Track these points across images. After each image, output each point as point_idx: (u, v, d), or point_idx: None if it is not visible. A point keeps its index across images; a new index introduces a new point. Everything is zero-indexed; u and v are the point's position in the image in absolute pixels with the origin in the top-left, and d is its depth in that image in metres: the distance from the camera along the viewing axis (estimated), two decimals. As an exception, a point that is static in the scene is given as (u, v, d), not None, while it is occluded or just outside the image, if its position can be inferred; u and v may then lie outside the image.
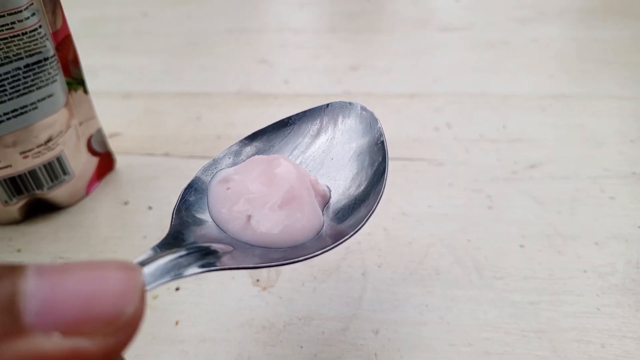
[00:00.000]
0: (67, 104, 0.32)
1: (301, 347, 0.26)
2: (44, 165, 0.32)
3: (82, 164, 0.34)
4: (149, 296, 0.28)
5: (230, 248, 0.21)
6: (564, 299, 0.28)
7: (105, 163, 0.37)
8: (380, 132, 0.26)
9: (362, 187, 0.25)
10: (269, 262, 0.20)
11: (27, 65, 0.29)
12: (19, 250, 0.32)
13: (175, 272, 0.17)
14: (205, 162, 0.25)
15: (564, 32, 0.56)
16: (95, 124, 0.35)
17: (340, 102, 0.27)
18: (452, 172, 0.36)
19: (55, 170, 0.32)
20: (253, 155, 0.26)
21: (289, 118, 0.27)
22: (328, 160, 0.26)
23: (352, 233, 0.22)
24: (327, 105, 0.27)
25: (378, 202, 0.23)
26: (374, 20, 0.61)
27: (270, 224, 0.22)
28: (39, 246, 0.32)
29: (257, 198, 0.23)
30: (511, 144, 0.39)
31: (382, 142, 0.25)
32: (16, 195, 0.32)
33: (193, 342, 0.26)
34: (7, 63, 0.28)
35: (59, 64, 0.31)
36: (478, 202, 0.34)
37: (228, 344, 0.26)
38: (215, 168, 0.25)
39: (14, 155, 0.30)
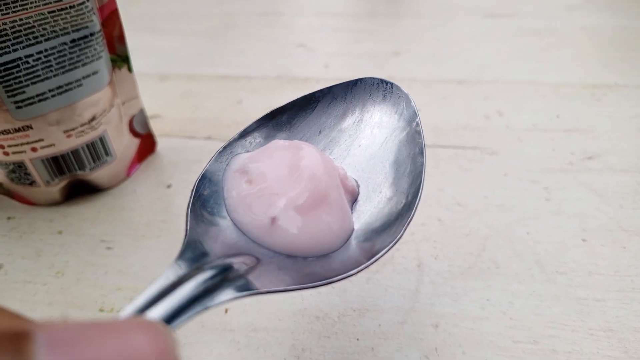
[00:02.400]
0: (110, 83, 0.31)
1: (357, 339, 0.25)
2: (87, 145, 0.31)
3: (123, 145, 0.33)
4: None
5: (254, 260, 0.19)
6: (632, 296, 0.26)
7: (147, 145, 0.36)
8: (416, 117, 0.22)
9: (395, 183, 0.22)
10: (300, 278, 0.18)
11: (73, 40, 0.28)
12: (59, 232, 0.31)
13: (201, 305, 0.15)
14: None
15: (614, 19, 0.54)
16: (137, 104, 0.34)
17: (371, 78, 0.24)
18: (506, 162, 0.35)
19: (98, 150, 0.31)
20: (273, 137, 0.23)
21: (313, 94, 0.24)
22: (355, 148, 0.23)
23: (390, 245, 0.18)
24: (356, 81, 0.24)
25: (417, 205, 0.20)
26: (415, 5, 0.60)
27: (297, 228, 0.20)
28: (80, 228, 0.31)
29: (282, 196, 0.20)
30: (566, 134, 0.37)
31: (419, 131, 0.22)
32: (58, 176, 0.31)
33: (244, 332, 0.25)
34: (53, 37, 0.27)
35: (104, 40, 0.30)
36: (535, 194, 0.32)
37: (280, 334, 0.25)
38: (231, 153, 0.22)
39: (57, 134, 0.29)
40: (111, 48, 0.31)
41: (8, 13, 0.25)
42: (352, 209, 0.22)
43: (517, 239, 0.29)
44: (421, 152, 0.21)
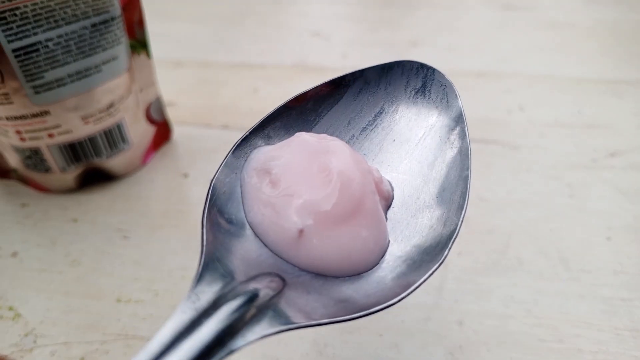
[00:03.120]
0: (129, 68, 0.30)
1: (381, 335, 0.24)
2: (104, 132, 0.30)
3: (140, 132, 0.33)
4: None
5: (280, 282, 0.16)
6: (659, 297, 0.26)
7: (162, 133, 0.35)
8: (461, 110, 0.20)
9: (436, 189, 0.19)
10: (333, 305, 0.16)
11: (94, 25, 0.27)
12: (74, 220, 0.30)
13: (225, 349, 0.13)
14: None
15: (633, 13, 0.53)
16: (154, 91, 0.33)
17: (409, 62, 0.21)
18: (529, 157, 0.34)
19: (115, 137, 0.31)
20: (296, 127, 0.21)
21: (342, 78, 0.21)
22: (388, 143, 0.21)
23: (434, 268, 0.16)
24: (392, 64, 0.21)
25: (462, 219, 0.17)
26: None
27: (328, 243, 0.17)
28: (95, 216, 0.30)
29: (311, 204, 0.17)
30: (588, 130, 0.36)
31: (463, 128, 0.19)
32: (74, 162, 0.30)
33: (265, 326, 0.25)
34: (74, 21, 0.26)
35: (125, 25, 0.29)
36: (558, 190, 0.31)
37: (302, 329, 0.24)
38: (250, 146, 0.20)
39: (75, 120, 0.29)
40: (131, 33, 0.30)
41: (30, -5, 0.24)
42: (386, 218, 0.19)
43: (541, 236, 0.29)
44: (467, 154, 0.19)
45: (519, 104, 0.39)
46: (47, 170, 0.30)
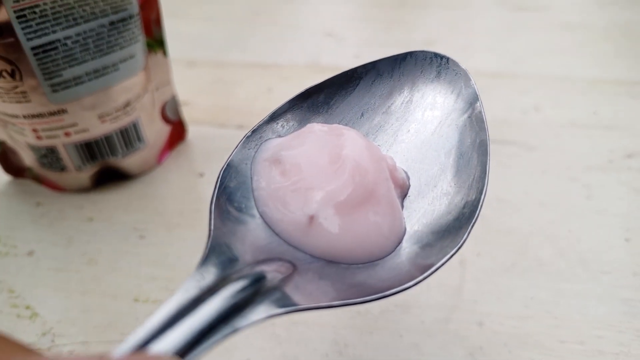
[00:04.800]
0: (145, 67, 0.30)
1: (401, 335, 0.24)
2: (121, 131, 0.30)
3: (155, 131, 0.32)
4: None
5: (290, 267, 0.16)
6: (680, 299, 0.25)
7: (177, 132, 0.35)
8: (477, 98, 0.19)
9: (453, 176, 0.19)
10: (345, 290, 0.15)
11: (112, 23, 0.27)
12: (90, 219, 0.30)
13: (229, 326, 0.13)
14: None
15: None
16: (170, 90, 0.33)
17: (423, 52, 0.21)
18: (545, 158, 0.34)
19: (131, 136, 0.31)
20: (308, 120, 0.20)
21: (354, 70, 0.21)
22: (404, 133, 0.20)
23: (452, 253, 0.16)
24: (406, 55, 0.21)
25: (482, 204, 0.17)
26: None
27: (339, 229, 0.17)
28: (111, 216, 0.30)
29: (321, 191, 0.17)
30: (604, 132, 0.36)
31: (480, 115, 0.19)
32: (90, 161, 0.30)
33: (284, 325, 0.24)
34: (92, 19, 0.26)
35: (142, 23, 0.29)
36: (575, 191, 0.31)
37: (321, 329, 0.24)
38: (260, 138, 0.19)
39: (91, 119, 0.28)
40: (148, 31, 0.30)
41: (49, -7, 0.24)
42: (402, 206, 0.19)
43: (560, 237, 0.28)
44: (484, 140, 0.18)
45: (535, 105, 0.39)
46: (62, 169, 0.30)
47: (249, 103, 0.40)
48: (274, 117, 0.20)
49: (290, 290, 0.15)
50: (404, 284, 0.15)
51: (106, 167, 0.31)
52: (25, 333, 0.24)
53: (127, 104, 0.29)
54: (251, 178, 0.18)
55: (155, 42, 0.30)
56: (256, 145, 0.19)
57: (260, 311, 0.13)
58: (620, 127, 0.36)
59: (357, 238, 0.17)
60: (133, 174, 0.32)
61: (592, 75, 0.42)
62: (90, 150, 0.30)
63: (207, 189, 0.32)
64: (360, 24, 0.52)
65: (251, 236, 0.17)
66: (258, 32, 0.50)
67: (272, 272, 0.15)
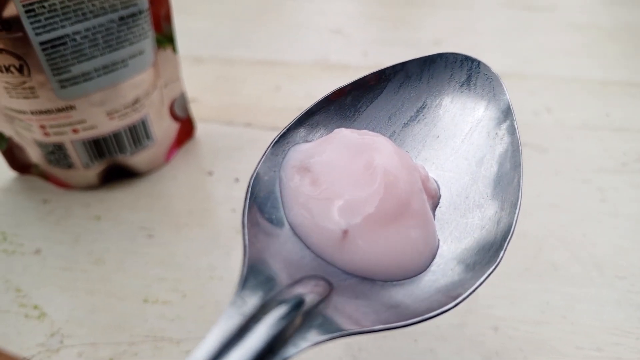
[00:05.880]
0: (154, 63, 0.30)
1: (415, 340, 0.24)
2: (129, 128, 0.29)
3: (163, 129, 0.32)
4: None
5: (326, 286, 0.15)
6: (697, 304, 0.25)
7: (186, 130, 0.34)
8: (509, 104, 0.19)
9: (486, 187, 0.18)
10: (385, 311, 0.15)
11: (121, 18, 0.27)
12: (97, 218, 0.30)
13: (277, 356, 0.12)
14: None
15: (656, 17, 0.52)
16: (179, 87, 0.33)
17: (453, 54, 0.20)
18: (557, 160, 0.33)
19: (139, 133, 0.30)
20: (335, 124, 0.20)
21: (382, 71, 0.20)
22: (432, 139, 0.20)
23: (490, 270, 0.15)
24: (435, 57, 0.20)
25: (517, 219, 0.16)
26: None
27: (374, 245, 0.16)
28: (118, 214, 0.30)
29: (355, 203, 0.16)
30: (617, 134, 0.36)
31: (512, 122, 0.18)
32: (98, 159, 0.30)
33: (297, 329, 0.24)
34: (102, 14, 0.26)
35: (152, 19, 0.29)
36: (589, 194, 0.31)
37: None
38: (288, 143, 0.19)
39: (100, 116, 0.28)
40: (157, 27, 0.29)
41: (60, -13, 0.24)
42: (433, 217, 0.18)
43: (574, 241, 0.28)
44: (517, 149, 0.18)
45: (546, 106, 0.38)
46: (69, 166, 0.30)
47: (257, 101, 0.39)
48: (300, 121, 0.19)
49: (330, 312, 0.14)
50: (442, 304, 0.15)
51: (114, 165, 0.31)
52: (33, 333, 0.24)
53: (136, 101, 0.29)
54: (280, 187, 0.18)
55: (165, 37, 0.30)
56: (283, 151, 0.19)
57: (307, 339, 0.13)
58: (633, 130, 0.36)
59: (392, 254, 0.16)
60: (141, 171, 0.32)
61: (602, 77, 0.42)
62: (98, 147, 0.29)
63: (216, 187, 0.31)
64: (367, 21, 0.52)
65: (284, 251, 0.16)
66: (265, 29, 0.50)
67: (310, 294, 0.15)
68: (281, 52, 0.46)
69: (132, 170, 0.32)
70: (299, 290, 0.15)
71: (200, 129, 0.36)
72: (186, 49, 0.45)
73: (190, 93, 0.39)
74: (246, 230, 0.15)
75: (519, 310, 0.25)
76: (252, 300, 0.14)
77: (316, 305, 0.14)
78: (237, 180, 0.32)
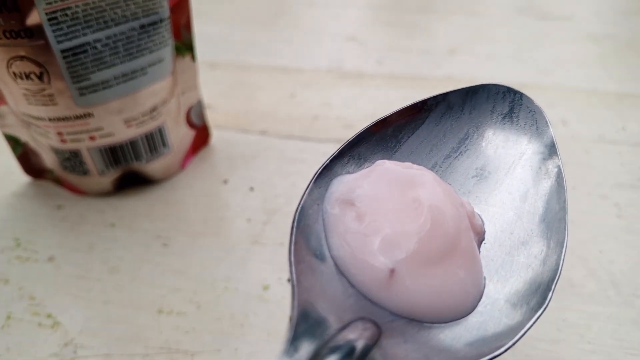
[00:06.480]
0: (173, 71, 0.29)
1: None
2: (146, 136, 0.29)
3: (180, 136, 0.32)
4: (259, 287, 0.26)
5: (374, 330, 0.15)
6: None
7: (201, 137, 0.34)
8: (553, 138, 0.19)
9: (531, 223, 0.18)
10: (434, 355, 0.15)
11: (142, 26, 0.26)
12: (112, 225, 0.30)
13: None
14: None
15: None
16: (196, 95, 0.33)
17: (495, 86, 0.20)
18: (574, 174, 0.33)
19: (156, 141, 0.30)
20: (376, 155, 0.19)
21: (424, 102, 0.20)
22: (475, 172, 0.20)
23: (541, 311, 0.15)
24: (477, 88, 0.20)
25: (564, 257, 0.16)
26: (469, 3, 0.58)
27: (423, 285, 0.16)
28: (133, 222, 0.30)
29: (401, 240, 0.16)
30: (634, 148, 0.35)
31: (556, 157, 0.18)
32: (113, 166, 0.30)
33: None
34: (123, 22, 0.26)
35: (172, 27, 0.28)
36: (606, 210, 0.31)
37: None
38: (330, 174, 0.18)
39: (117, 123, 0.28)
40: (177, 35, 0.29)
41: (82, -5, 0.24)
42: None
43: (591, 258, 0.28)
44: (562, 186, 0.18)
45: (562, 119, 0.38)
46: (85, 173, 0.29)
47: (272, 108, 0.39)
48: (343, 152, 0.19)
49: (381, 358, 0.14)
50: (493, 350, 0.15)
51: (129, 172, 0.31)
52: (47, 343, 0.24)
53: (154, 109, 0.29)
54: (323, 221, 0.17)
55: (184, 45, 0.30)
56: (326, 183, 0.18)
57: None
58: (650, 144, 0.36)
59: (440, 295, 0.16)
60: (156, 179, 0.32)
61: (619, 89, 0.41)
62: (114, 154, 0.29)
63: (232, 196, 0.31)
64: (382, 28, 0.52)
65: (329, 289, 0.16)
66: (279, 35, 0.50)
67: (360, 340, 0.14)
68: (296, 59, 0.46)
69: (147, 178, 0.32)
70: (350, 336, 0.14)
71: (215, 136, 0.36)
72: (201, 54, 0.45)
73: (206, 99, 0.39)
74: (294, 269, 0.15)
75: (535, 328, 0.25)
76: (304, 348, 0.13)
77: (367, 352, 0.14)
78: (252, 189, 0.32)
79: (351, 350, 0.14)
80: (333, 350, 0.14)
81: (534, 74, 0.43)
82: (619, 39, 0.49)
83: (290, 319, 0.14)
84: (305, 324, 0.14)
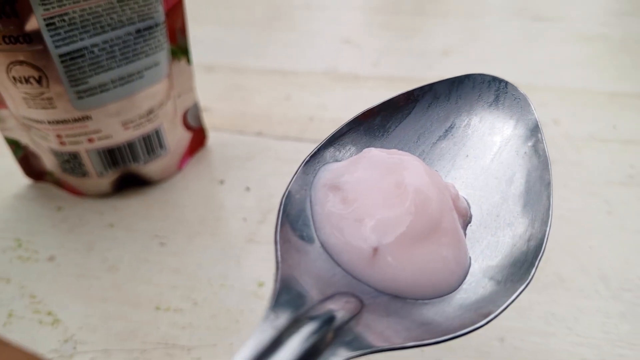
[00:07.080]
0: (169, 74, 0.30)
1: (422, 350, 0.24)
2: (143, 138, 0.30)
3: (176, 138, 0.33)
4: (254, 284, 0.27)
5: (357, 303, 0.16)
6: None
7: (198, 139, 0.35)
8: (537, 123, 0.19)
9: (515, 206, 0.18)
10: (416, 328, 0.15)
11: (138, 31, 0.27)
12: (111, 226, 0.30)
13: None
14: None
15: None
16: (192, 97, 0.33)
17: (481, 75, 0.21)
18: (565, 172, 0.34)
19: (153, 143, 0.31)
20: (364, 144, 0.20)
21: (411, 92, 0.21)
22: (462, 158, 0.20)
23: (522, 288, 0.15)
24: (463, 78, 0.21)
25: (547, 237, 0.17)
26: (463, 5, 0.59)
27: (405, 263, 0.16)
28: (132, 222, 0.30)
29: (385, 222, 0.16)
30: (624, 146, 0.36)
31: (541, 141, 0.19)
32: (112, 168, 0.30)
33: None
34: (119, 27, 0.26)
35: (167, 31, 0.29)
36: (596, 207, 0.31)
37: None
38: (318, 162, 0.19)
39: (115, 126, 0.29)
40: (172, 39, 0.30)
41: (79, 1, 0.24)
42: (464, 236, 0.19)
43: (581, 253, 0.28)
44: (546, 168, 0.18)
45: (554, 118, 0.39)
46: (84, 174, 0.30)
47: (268, 110, 0.40)
48: (331, 141, 0.19)
49: (361, 329, 0.14)
50: (474, 322, 0.15)
51: (127, 173, 0.31)
52: (47, 339, 0.24)
53: (150, 111, 0.29)
54: (311, 205, 0.18)
55: (180, 49, 0.31)
56: (314, 170, 0.19)
57: (337, 355, 0.13)
58: (640, 142, 0.36)
59: (424, 272, 0.16)
60: (153, 180, 0.32)
61: (611, 88, 0.42)
62: (112, 156, 0.30)
63: (228, 196, 0.32)
64: (377, 31, 0.52)
65: (315, 267, 0.16)
66: (275, 38, 0.50)
67: (341, 311, 0.15)
68: (291, 61, 0.46)
69: (145, 179, 0.32)
70: (330, 306, 0.15)
71: (211, 137, 0.37)
72: (197, 57, 0.46)
73: (202, 101, 0.39)
74: (278, 247, 0.16)
75: (525, 321, 0.25)
76: (284, 315, 0.14)
77: (347, 322, 0.15)
78: (248, 189, 0.32)
79: (331, 318, 0.14)
80: (313, 318, 0.14)
81: (527, 75, 0.44)
82: (611, 39, 0.49)
83: (273, 290, 0.15)
84: (287, 295, 0.15)
